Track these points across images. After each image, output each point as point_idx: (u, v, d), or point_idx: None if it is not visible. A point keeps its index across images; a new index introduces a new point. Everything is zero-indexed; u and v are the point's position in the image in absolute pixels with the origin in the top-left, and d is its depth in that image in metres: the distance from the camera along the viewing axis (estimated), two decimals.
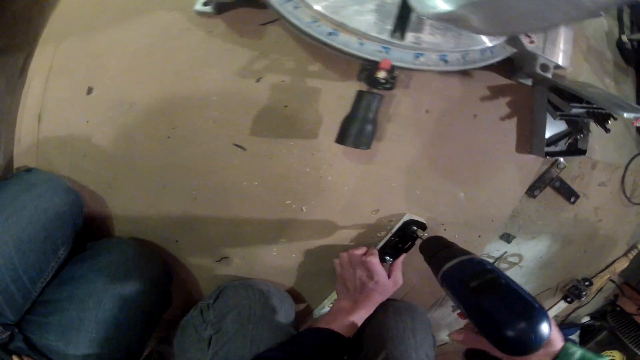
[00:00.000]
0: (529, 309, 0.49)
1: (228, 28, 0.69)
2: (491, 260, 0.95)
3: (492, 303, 0.50)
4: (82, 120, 0.73)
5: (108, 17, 0.70)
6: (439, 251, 0.65)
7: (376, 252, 0.83)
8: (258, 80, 0.72)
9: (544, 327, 0.47)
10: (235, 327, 0.71)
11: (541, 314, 0.48)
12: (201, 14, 0.68)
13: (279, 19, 0.68)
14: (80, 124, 0.73)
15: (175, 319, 0.83)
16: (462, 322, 0.65)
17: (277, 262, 0.88)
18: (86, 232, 0.79)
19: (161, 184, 0.78)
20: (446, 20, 0.55)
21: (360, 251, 0.82)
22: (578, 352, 0.54)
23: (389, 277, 0.81)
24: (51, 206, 0.69)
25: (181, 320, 0.82)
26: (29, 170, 0.74)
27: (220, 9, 0.68)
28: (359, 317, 0.77)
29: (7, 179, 0.72)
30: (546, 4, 0.45)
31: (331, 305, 0.95)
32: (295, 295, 0.93)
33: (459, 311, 0.59)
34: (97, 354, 0.65)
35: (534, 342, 0.47)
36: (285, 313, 0.78)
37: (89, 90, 0.72)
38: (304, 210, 0.82)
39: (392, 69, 0.62)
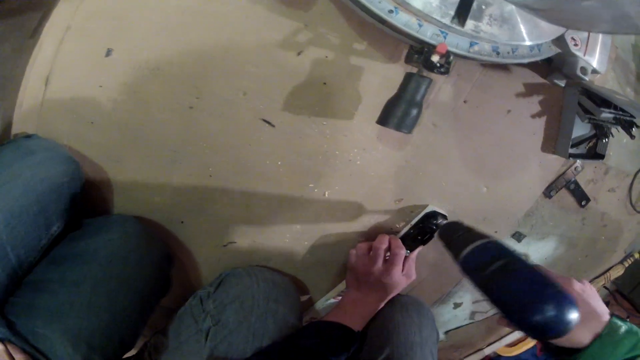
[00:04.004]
0: (555, 292, 0.49)
1: None
2: None
3: (516, 286, 0.51)
4: (95, 84, 0.69)
5: None
6: (458, 235, 0.67)
7: (402, 244, 0.84)
8: (299, 54, 0.72)
9: (572, 310, 0.48)
10: (237, 320, 0.71)
11: (568, 297, 0.49)
12: None
13: None
14: (92, 89, 0.69)
15: (173, 307, 0.81)
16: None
17: (288, 249, 0.88)
18: (84, 208, 0.74)
19: (174, 159, 0.76)
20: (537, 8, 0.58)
21: (384, 244, 0.83)
22: (623, 326, 0.58)
23: (402, 270, 0.83)
24: (48, 176, 0.63)
25: (179, 309, 0.80)
26: (28, 136, 0.69)
27: None
28: (369, 310, 0.80)
29: (3, 144, 0.67)
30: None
31: (336, 297, 0.96)
32: (299, 285, 0.94)
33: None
34: (87, 342, 0.61)
35: (562, 326, 0.47)
36: (291, 305, 0.78)
37: (108, 52, 0.68)
38: (326, 196, 0.83)
39: (447, 54, 0.64)
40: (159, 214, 0.81)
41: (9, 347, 0.55)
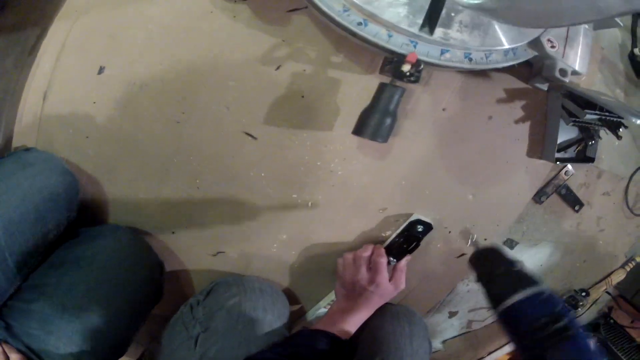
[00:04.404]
0: None
1: (253, 14, 0.71)
2: None
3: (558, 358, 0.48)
4: (89, 100, 0.73)
5: None
6: (500, 272, 0.60)
7: (384, 252, 0.84)
8: (277, 68, 0.74)
9: None
10: (225, 327, 0.72)
11: None
12: None
13: (307, 6, 0.70)
14: (87, 104, 0.74)
15: (168, 316, 0.83)
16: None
17: (276, 258, 0.90)
18: (80, 218, 0.78)
19: (164, 171, 0.79)
20: (486, 10, 0.59)
21: (366, 253, 0.83)
22: None
23: (390, 279, 0.82)
24: (46, 186, 0.67)
25: (172, 317, 0.82)
26: (27, 149, 0.73)
27: None
28: (357, 319, 0.79)
29: (3, 157, 0.71)
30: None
31: (327, 306, 0.97)
32: (290, 295, 0.95)
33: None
34: (80, 345, 0.64)
35: None
36: (278, 313, 0.79)
37: (101, 70, 0.72)
38: (310, 206, 0.84)
39: (418, 63, 0.65)
40: (151, 224, 0.84)
41: (4, 347, 0.60)
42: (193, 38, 0.71)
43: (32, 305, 0.64)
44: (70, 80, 0.72)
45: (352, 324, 0.77)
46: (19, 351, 0.60)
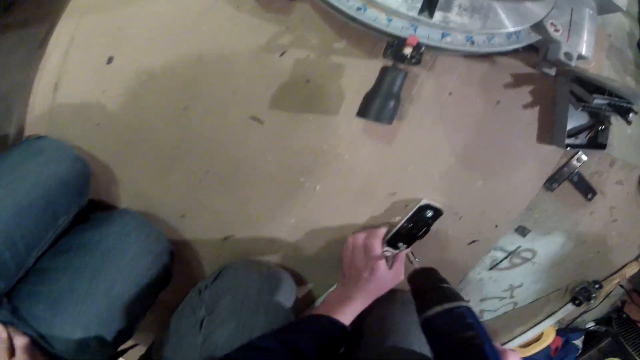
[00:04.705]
0: None
1: (256, 3, 0.73)
2: (504, 254, 0.99)
3: None
4: (99, 89, 0.77)
5: None
6: (426, 291, 0.67)
7: (380, 233, 0.84)
8: (282, 55, 0.76)
9: None
10: (229, 310, 0.72)
11: None
12: None
13: None
14: (97, 94, 0.77)
15: (178, 302, 0.85)
16: None
17: (284, 243, 0.91)
18: (91, 204, 0.81)
19: (173, 157, 0.82)
20: None
21: (364, 234, 0.83)
22: None
23: (390, 269, 0.82)
24: (56, 173, 0.70)
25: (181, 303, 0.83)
26: (39, 137, 0.76)
27: None
28: (353, 308, 0.77)
29: (15, 145, 0.74)
30: None
31: None
32: (300, 280, 0.96)
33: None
34: (86, 327, 0.65)
35: None
36: (285, 297, 0.79)
37: (109, 60, 0.75)
38: (317, 190, 0.85)
39: (418, 46, 0.66)
40: (161, 208, 0.86)
41: (10, 329, 0.62)
42: (199, 28, 0.74)
43: (40, 288, 0.67)
44: (80, 70, 0.76)
45: (346, 315, 0.76)
46: (25, 334, 0.62)
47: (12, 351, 0.60)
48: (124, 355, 0.80)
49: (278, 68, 0.76)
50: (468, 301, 0.63)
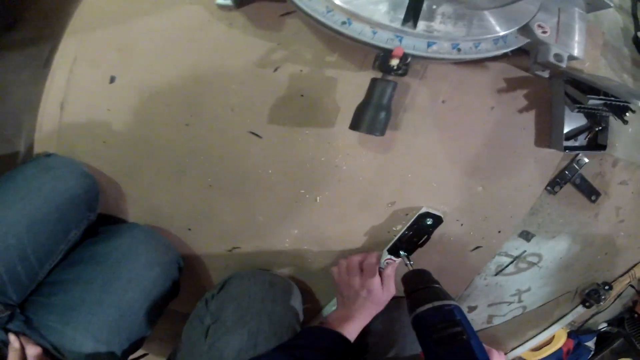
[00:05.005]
0: None
1: (248, 20, 0.75)
2: (509, 260, 0.98)
3: (448, 357, 0.57)
4: (103, 108, 0.80)
5: (133, 11, 0.76)
6: (418, 290, 0.69)
7: (375, 256, 0.86)
8: (275, 70, 0.78)
9: None
10: (234, 318, 0.74)
11: None
12: (222, 7, 0.74)
13: (296, 10, 0.74)
14: (102, 112, 0.80)
15: (188, 313, 0.87)
16: None
17: (289, 253, 0.92)
18: (101, 218, 0.84)
19: (177, 171, 0.84)
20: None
21: (358, 257, 0.85)
22: None
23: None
24: (67, 188, 0.73)
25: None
26: (48, 155, 0.80)
27: (240, 2, 0.73)
28: (354, 328, 0.79)
29: (26, 162, 0.78)
30: None
31: None
32: (305, 290, 0.97)
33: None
34: (95, 337, 0.67)
35: None
36: (289, 306, 0.81)
37: (112, 80, 0.78)
38: (318, 201, 0.87)
39: (405, 57, 0.67)
40: (169, 222, 0.89)
41: (23, 339, 0.64)
42: (195, 46, 0.77)
43: (52, 299, 0.69)
44: (84, 90, 0.79)
45: (350, 333, 0.77)
46: (37, 343, 0.64)
47: None
48: None
49: (273, 83, 0.78)
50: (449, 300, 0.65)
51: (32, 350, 0.63)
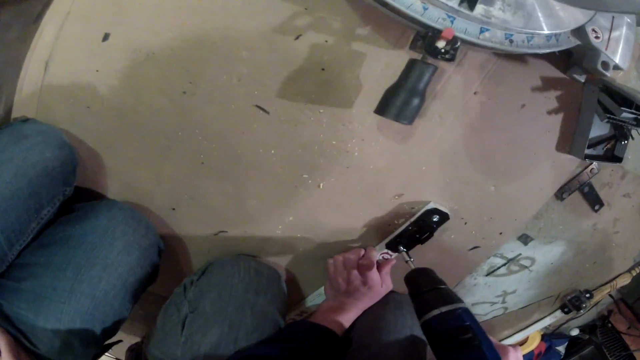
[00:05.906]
0: None
1: None
2: (503, 261, 0.95)
3: None
4: (92, 69, 0.68)
5: None
6: (426, 292, 0.66)
7: (374, 251, 0.83)
8: (297, 38, 0.67)
9: None
10: (214, 309, 0.69)
11: None
12: None
13: None
14: (89, 74, 0.68)
15: (166, 297, 0.79)
16: None
17: (280, 241, 0.85)
18: (77, 193, 0.74)
19: (167, 145, 0.74)
20: None
21: (356, 255, 0.82)
22: None
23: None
24: (40, 160, 0.64)
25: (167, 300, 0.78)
26: (25, 120, 0.70)
27: None
28: (347, 319, 0.77)
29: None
30: None
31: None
32: (290, 278, 0.92)
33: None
34: (68, 328, 0.62)
35: None
36: (272, 296, 0.76)
37: (105, 37, 0.67)
38: (321, 187, 0.79)
39: (454, 40, 0.59)
40: (150, 200, 0.80)
41: None
42: (204, 4, 0.65)
43: (22, 285, 0.63)
44: (73, 48, 0.67)
45: (340, 324, 0.76)
46: (8, 332, 0.59)
47: None
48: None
49: (291, 53, 0.68)
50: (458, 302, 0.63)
51: (3, 339, 0.57)
